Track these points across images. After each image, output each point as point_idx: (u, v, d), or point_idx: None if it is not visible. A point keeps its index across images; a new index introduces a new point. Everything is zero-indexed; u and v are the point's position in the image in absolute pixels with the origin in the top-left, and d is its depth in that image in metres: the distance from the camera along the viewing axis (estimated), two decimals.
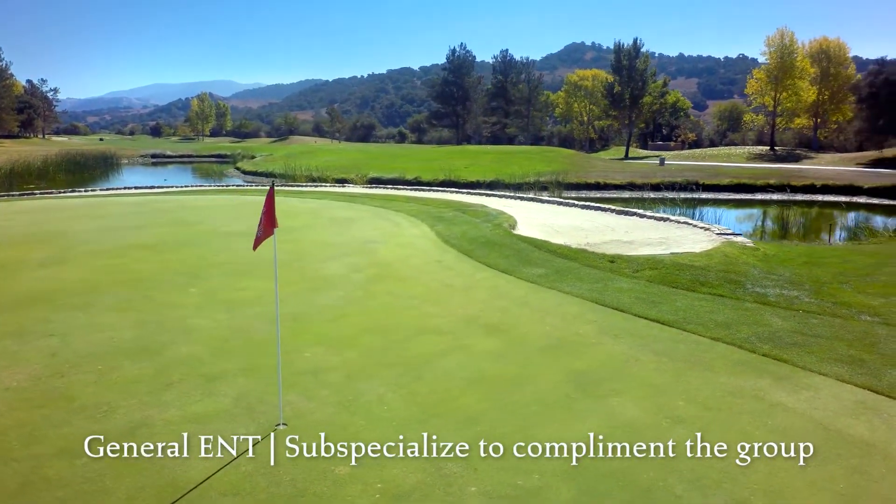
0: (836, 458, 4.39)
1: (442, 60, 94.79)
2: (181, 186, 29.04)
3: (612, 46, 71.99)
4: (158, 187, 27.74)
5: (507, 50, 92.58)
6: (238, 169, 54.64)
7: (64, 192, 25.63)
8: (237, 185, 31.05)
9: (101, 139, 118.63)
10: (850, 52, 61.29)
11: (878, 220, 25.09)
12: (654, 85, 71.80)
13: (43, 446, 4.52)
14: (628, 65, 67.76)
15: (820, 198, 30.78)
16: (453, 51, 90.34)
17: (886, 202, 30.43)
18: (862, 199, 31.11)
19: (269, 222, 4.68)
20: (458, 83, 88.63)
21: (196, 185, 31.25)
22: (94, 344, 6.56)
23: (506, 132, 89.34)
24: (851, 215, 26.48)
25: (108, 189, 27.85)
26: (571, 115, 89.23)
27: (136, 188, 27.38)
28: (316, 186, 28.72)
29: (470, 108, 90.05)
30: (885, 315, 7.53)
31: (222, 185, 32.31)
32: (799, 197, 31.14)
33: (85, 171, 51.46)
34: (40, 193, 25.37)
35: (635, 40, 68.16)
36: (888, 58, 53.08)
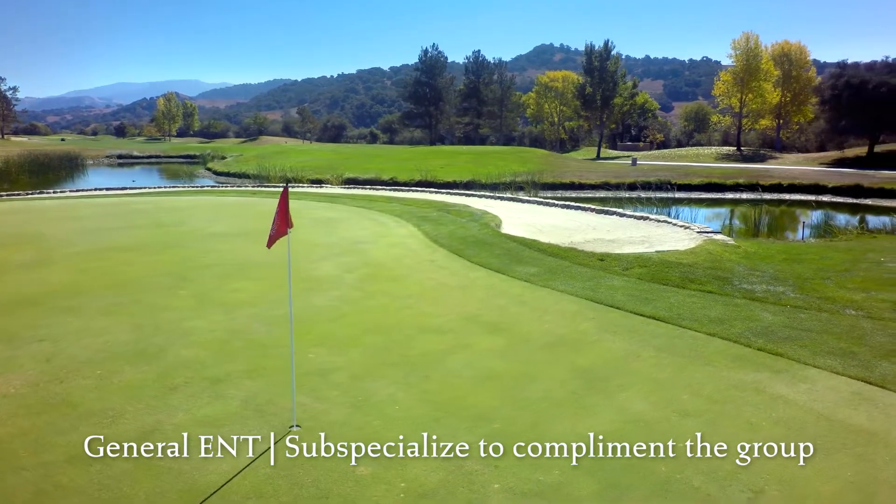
0: (842, 447, 4.54)
1: (412, 61, 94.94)
2: (154, 188, 28.42)
3: (580, 48, 73.06)
4: (131, 188, 27.13)
5: (479, 51, 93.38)
6: (209, 170, 53.62)
7: (31, 194, 24.93)
8: (211, 186, 30.56)
9: (62, 139, 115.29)
10: (811, 55, 63.03)
11: (844, 218, 25.91)
12: (625, 86, 72.87)
13: (51, 454, 4.41)
14: (599, 66, 68.61)
15: (788, 196, 31.59)
16: (425, 51, 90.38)
17: (850, 200, 31.49)
18: (827, 198, 32.11)
19: (283, 222, 4.66)
20: (430, 83, 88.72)
21: (169, 187, 30.57)
22: (90, 348, 6.41)
23: (478, 132, 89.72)
24: (819, 213, 27.31)
25: (77, 190, 27.13)
26: (542, 115, 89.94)
27: (107, 189, 26.74)
28: (292, 187, 28.43)
29: (443, 109, 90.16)
30: (868, 309, 7.80)
31: (196, 186, 31.74)
32: (768, 196, 31.92)
33: (49, 172, 49.99)
34: (6, 195, 24.57)
35: (606, 42, 69.00)
36: (849, 61, 54.76)
